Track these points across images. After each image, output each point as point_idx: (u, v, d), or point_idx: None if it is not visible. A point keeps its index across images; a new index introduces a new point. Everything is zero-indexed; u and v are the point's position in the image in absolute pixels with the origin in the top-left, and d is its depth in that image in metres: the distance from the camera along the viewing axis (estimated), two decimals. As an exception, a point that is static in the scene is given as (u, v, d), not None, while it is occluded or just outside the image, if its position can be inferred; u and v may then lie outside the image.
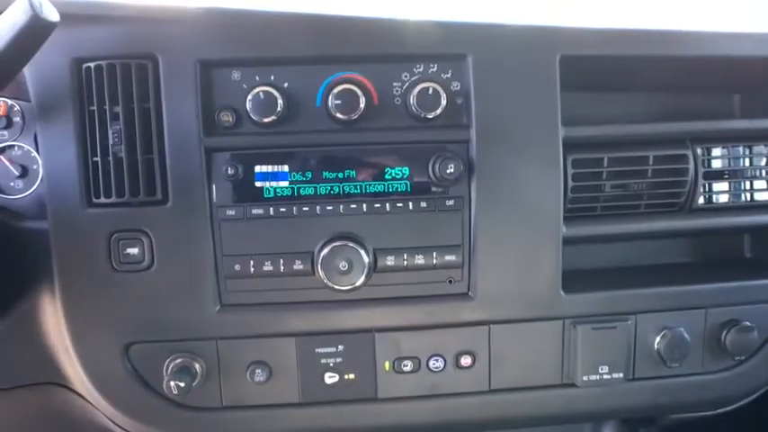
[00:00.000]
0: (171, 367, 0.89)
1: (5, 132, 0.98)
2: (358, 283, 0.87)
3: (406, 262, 0.90)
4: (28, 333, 0.93)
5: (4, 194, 0.97)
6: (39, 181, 0.97)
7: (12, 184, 0.98)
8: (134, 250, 0.88)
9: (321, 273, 0.87)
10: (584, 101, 0.97)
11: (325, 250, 0.87)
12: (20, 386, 0.96)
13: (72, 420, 1.02)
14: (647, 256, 1.09)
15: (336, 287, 0.87)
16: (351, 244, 0.87)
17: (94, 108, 0.86)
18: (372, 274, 0.88)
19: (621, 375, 0.95)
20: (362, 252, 0.87)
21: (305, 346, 0.92)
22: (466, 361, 0.94)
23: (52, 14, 0.70)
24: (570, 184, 0.93)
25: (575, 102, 0.92)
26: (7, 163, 0.97)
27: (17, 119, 0.97)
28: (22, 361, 0.95)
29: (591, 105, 0.99)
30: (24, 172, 0.98)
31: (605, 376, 0.95)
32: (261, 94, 0.86)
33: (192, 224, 0.88)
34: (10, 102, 0.96)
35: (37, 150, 0.96)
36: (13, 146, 0.98)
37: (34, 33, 0.71)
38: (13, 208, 0.96)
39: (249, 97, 0.86)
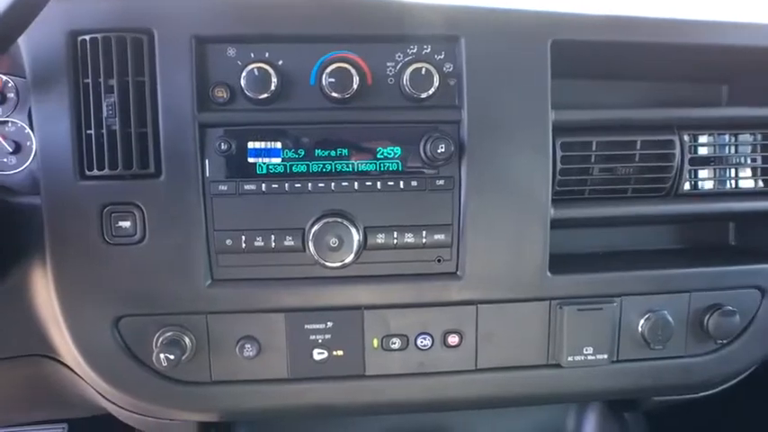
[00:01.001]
0: (160, 340, 0.90)
1: None
2: (348, 260, 0.88)
3: (395, 240, 0.91)
4: (18, 305, 0.93)
5: (-3, 170, 0.97)
6: (32, 157, 0.97)
7: (5, 159, 0.98)
8: (126, 223, 0.88)
9: (312, 249, 0.88)
10: (575, 88, 0.99)
11: (316, 227, 0.88)
12: (8, 358, 0.96)
13: (60, 393, 1.03)
14: (635, 242, 1.11)
15: (326, 264, 0.88)
16: (341, 221, 0.88)
17: (89, 81, 0.86)
18: (362, 251, 0.90)
19: (606, 357, 0.97)
20: (353, 229, 0.88)
21: (294, 322, 0.93)
22: (453, 340, 0.96)
23: None
24: (559, 166, 0.94)
25: (566, 88, 0.93)
26: (0, 139, 0.97)
27: (11, 95, 0.97)
28: (11, 333, 0.95)
29: (582, 93, 1.01)
30: (18, 148, 0.98)
31: (590, 357, 0.97)
32: (255, 70, 0.86)
33: (184, 198, 0.88)
34: (4, 78, 0.96)
35: (31, 127, 0.97)
36: (7, 122, 0.98)
37: (33, 1, 0.71)
38: (6, 184, 0.96)
39: (244, 74, 0.87)
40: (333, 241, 0.87)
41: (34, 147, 0.97)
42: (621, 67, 1.03)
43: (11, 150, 0.98)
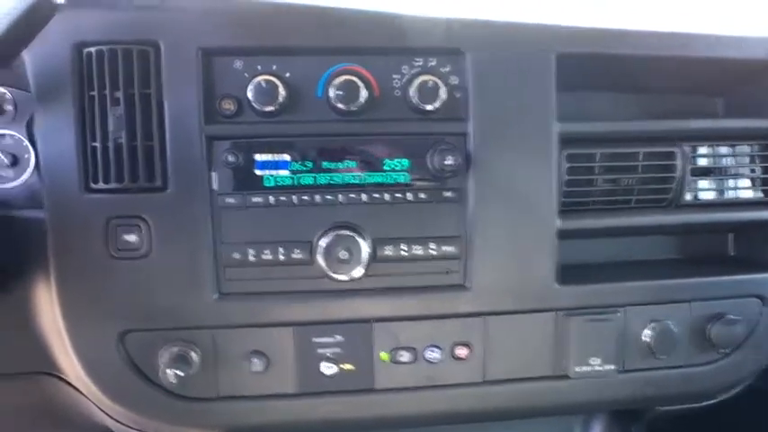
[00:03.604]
0: (167, 356, 0.88)
1: None
2: (357, 274, 0.88)
3: (404, 252, 0.91)
4: (20, 321, 0.92)
5: (-5, 183, 0.96)
6: (30, 170, 0.96)
7: (2, 173, 0.97)
8: (132, 237, 0.87)
9: (321, 262, 0.88)
10: (580, 100, 0.99)
11: (325, 240, 0.88)
12: (9, 375, 0.93)
13: (62, 412, 1.00)
14: (636, 252, 1.12)
15: (336, 277, 0.88)
16: (350, 233, 0.88)
17: (95, 93, 0.86)
18: (371, 263, 0.89)
19: (613, 367, 0.97)
20: (362, 242, 0.88)
21: (302, 335, 0.92)
22: (462, 352, 0.95)
23: None
24: (565, 178, 0.95)
25: (570, 100, 0.94)
26: None
27: (9, 107, 0.96)
28: (12, 349, 0.93)
29: (585, 104, 1.02)
30: (15, 161, 0.97)
31: (597, 368, 0.97)
32: (262, 82, 0.86)
33: (191, 211, 0.88)
34: (1, 89, 0.94)
35: (29, 139, 0.95)
36: (4, 135, 0.97)
37: (38, 13, 0.71)
38: (2, 197, 0.95)
39: (251, 86, 0.87)
40: (342, 254, 0.87)
41: (32, 160, 0.96)
42: (622, 80, 1.05)
43: (8, 163, 0.97)
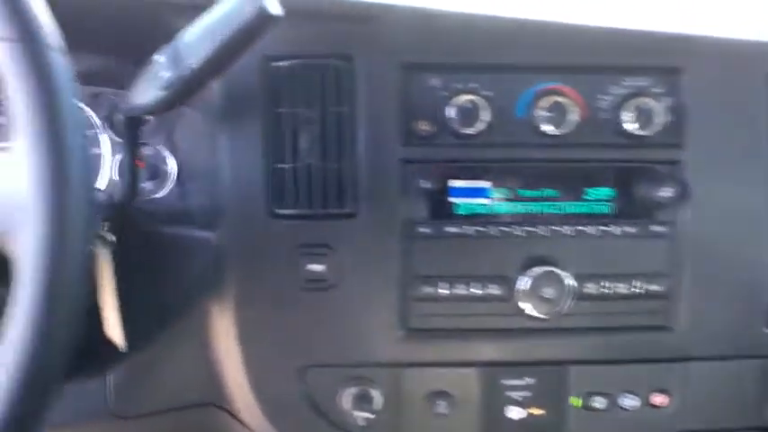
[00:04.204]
0: (348, 395, 0.82)
1: None
2: (560, 313, 0.80)
3: (607, 290, 0.83)
4: (194, 350, 0.86)
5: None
6: (171, 183, 0.91)
7: (143, 185, 0.92)
8: (318, 267, 0.81)
9: (521, 300, 0.81)
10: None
11: (527, 276, 0.80)
12: (180, 408, 0.88)
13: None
14: None
15: (537, 315, 0.80)
16: (555, 270, 0.80)
17: (284, 111, 0.79)
18: (573, 302, 0.82)
19: (825, 421, 0.88)
20: (567, 278, 0.80)
21: (490, 376, 0.85)
22: (658, 399, 0.87)
23: (276, 8, 0.63)
24: None
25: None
26: (139, 163, 0.91)
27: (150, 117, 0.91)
28: (183, 381, 0.88)
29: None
30: (155, 173, 0.92)
31: (807, 421, 0.88)
32: (463, 102, 0.79)
33: (381, 240, 0.81)
34: None
35: (171, 150, 0.91)
36: (145, 145, 0.92)
37: (257, 29, 0.64)
38: (149, 212, 0.90)
39: (450, 106, 0.79)
40: (546, 292, 0.79)
41: (170, 172, 0.92)
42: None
43: (149, 176, 0.93)
